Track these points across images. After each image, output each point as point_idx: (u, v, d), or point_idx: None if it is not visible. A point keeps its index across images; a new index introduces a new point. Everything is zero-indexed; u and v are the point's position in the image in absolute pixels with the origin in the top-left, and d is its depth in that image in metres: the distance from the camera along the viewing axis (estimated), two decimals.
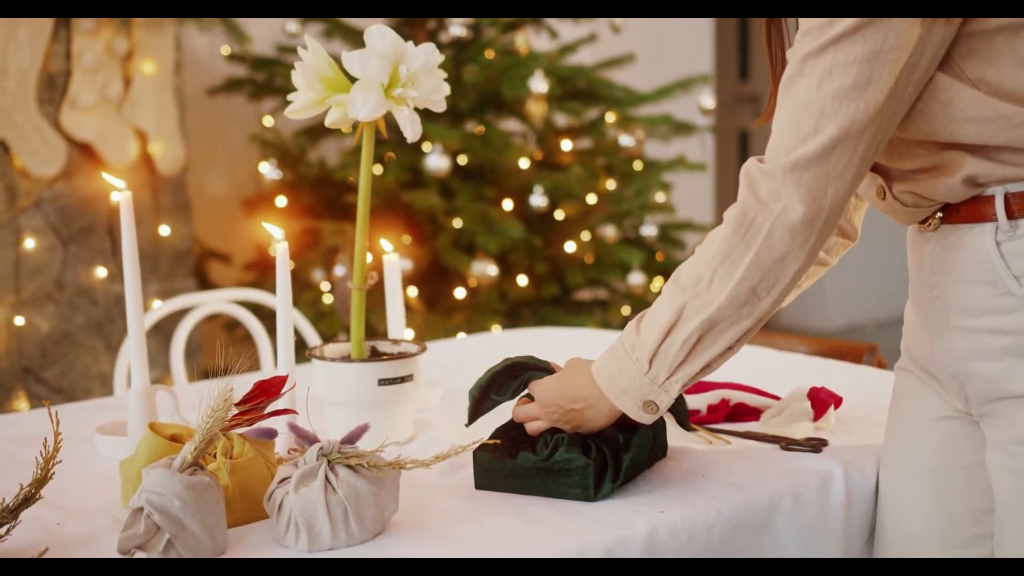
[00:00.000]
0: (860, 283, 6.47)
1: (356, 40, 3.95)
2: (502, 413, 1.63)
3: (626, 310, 3.99)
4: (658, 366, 1.42)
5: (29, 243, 3.51)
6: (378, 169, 3.67)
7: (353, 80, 1.64)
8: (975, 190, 1.39)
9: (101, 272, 3.66)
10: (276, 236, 1.58)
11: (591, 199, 3.89)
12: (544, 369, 1.57)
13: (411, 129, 1.65)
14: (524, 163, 3.81)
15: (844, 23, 1.31)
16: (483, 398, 1.58)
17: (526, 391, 1.57)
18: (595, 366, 1.48)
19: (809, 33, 1.34)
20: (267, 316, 3.02)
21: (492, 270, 3.67)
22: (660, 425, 1.58)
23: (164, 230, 3.78)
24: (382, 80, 1.62)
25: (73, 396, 3.60)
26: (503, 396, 1.58)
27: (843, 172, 1.35)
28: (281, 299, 1.58)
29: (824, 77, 1.33)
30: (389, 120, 1.68)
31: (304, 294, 3.72)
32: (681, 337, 1.40)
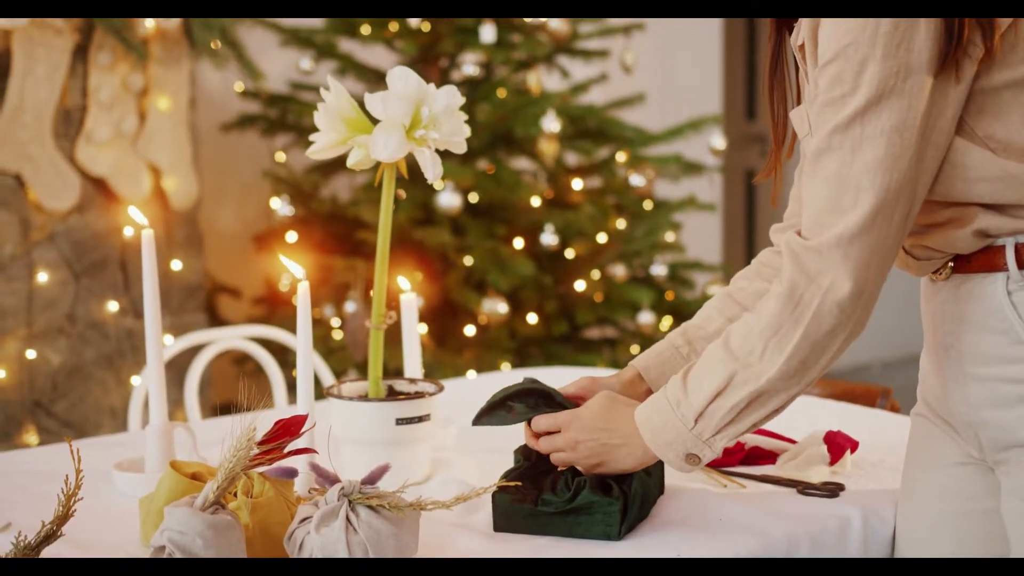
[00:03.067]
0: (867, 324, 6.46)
1: (369, 77, 3.98)
2: (509, 451, 1.64)
3: (635, 349, 4.00)
4: (704, 424, 1.44)
5: (42, 276, 3.52)
6: None
7: (375, 121, 1.65)
8: (986, 241, 1.42)
9: (113, 306, 3.67)
10: (297, 274, 1.59)
11: (601, 238, 3.90)
12: (561, 406, 1.58)
13: (432, 170, 1.67)
14: (535, 201, 3.83)
15: (864, 95, 1.34)
16: (501, 404, 1.58)
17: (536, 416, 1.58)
18: (638, 414, 1.49)
19: (831, 105, 1.37)
20: (277, 351, 3.03)
21: (502, 308, 3.68)
22: (660, 462, 1.58)
23: (176, 264, 3.80)
24: (404, 121, 1.63)
25: (83, 430, 3.60)
26: (519, 415, 1.58)
27: (884, 241, 1.37)
28: (302, 338, 1.59)
29: (855, 150, 1.35)
30: (407, 159, 1.70)
31: (315, 330, 3.73)
32: (730, 403, 1.43)
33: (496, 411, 1.60)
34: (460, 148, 1.70)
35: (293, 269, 1.61)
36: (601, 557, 1.43)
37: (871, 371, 6.59)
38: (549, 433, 1.57)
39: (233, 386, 3.98)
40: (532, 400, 1.59)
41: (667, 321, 3.97)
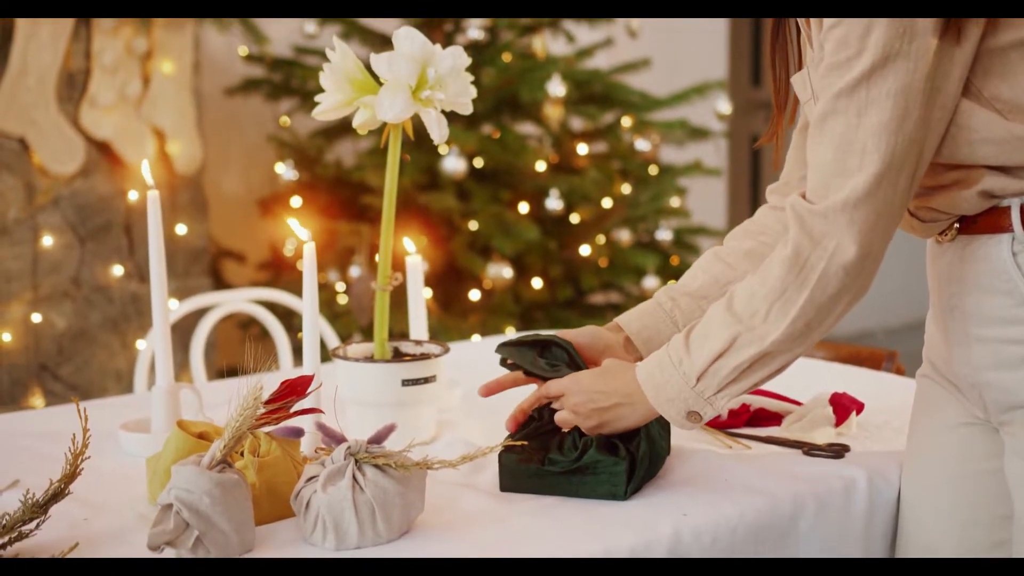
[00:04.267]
0: (870, 290, 6.45)
1: (373, 41, 3.96)
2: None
3: None
4: (706, 383, 1.45)
5: (47, 240, 3.52)
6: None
7: (381, 82, 1.65)
8: (991, 202, 1.42)
9: (118, 270, 3.67)
10: (303, 236, 1.59)
11: (606, 203, 3.90)
12: (578, 367, 1.59)
13: (438, 131, 1.66)
14: (540, 166, 3.82)
15: (870, 57, 1.33)
16: (531, 346, 1.59)
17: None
18: (640, 372, 1.50)
19: (836, 68, 1.36)
20: (283, 315, 3.03)
21: (507, 272, 3.68)
22: (666, 424, 1.59)
23: (180, 229, 3.80)
24: (410, 82, 1.63)
25: (88, 393, 3.61)
26: (539, 368, 1.59)
27: (890, 204, 1.37)
28: (308, 299, 1.59)
29: (861, 113, 1.35)
30: (413, 121, 1.69)
31: (320, 294, 3.72)
32: (733, 363, 1.43)
33: (524, 349, 1.60)
34: (466, 109, 1.70)
35: (299, 231, 1.60)
36: (606, 517, 1.44)
37: (875, 338, 6.59)
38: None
39: (238, 350, 3.99)
40: (554, 357, 1.59)
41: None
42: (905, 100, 1.33)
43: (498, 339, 2.59)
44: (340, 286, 3.83)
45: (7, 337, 3.47)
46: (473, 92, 1.69)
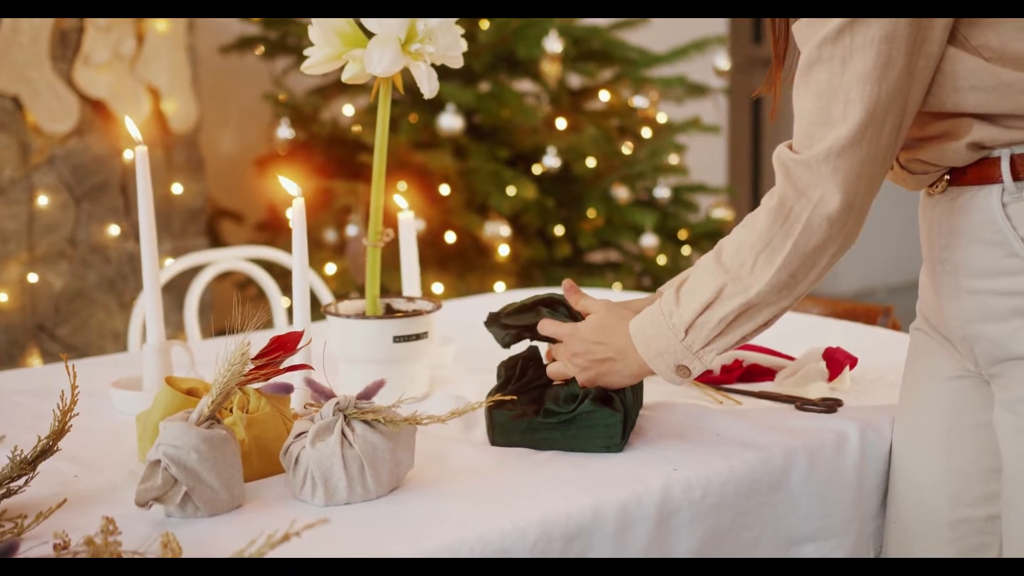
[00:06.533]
0: (872, 248, 6.44)
1: None
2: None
3: (638, 272, 3.99)
4: (694, 336, 1.45)
5: (42, 200, 3.51)
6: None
7: (370, 35, 1.63)
8: (981, 153, 1.41)
9: (114, 230, 3.66)
10: (292, 192, 1.58)
11: (604, 161, 3.87)
12: (574, 318, 1.59)
13: (428, 85, 1.64)
14: (537, 124, 3.80)
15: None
16: (532, 307, 1.60)
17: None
18: (633, 325, 1.50)
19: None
20: (279, 275, 3.02)
21: (504, 231, 3.67)
22: None
23: (177, 188, 3.78)
24: (399, 35, 1.61)
25: (86, 353, 3.61)
26: (541, 315, 1.60)
27: (874, 155, 1.35)
28: (297, 254, 1.58)
29: (845, 61, 1.33)
30: (404, 77, 1.68)
31: (317, 253, 3.72)
32: (719, 315, 1.43)
33: (526, 312, 1.61)
34: (456, 62, 1.68)
35: (288, 187, 1.59)
36: (597, 471, 1.43)
37: (876, 296, 6.59)
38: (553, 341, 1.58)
39: (238, 307, 3.97)
40: (553, 309, 1.60)
41: (669, 245, 3.95)
42: (889, 48, 1.32)
43: (491, 297, 2.59)
44: (337, 245, 3.82)
45: (3, 297, 3.46)
46: (464, 45, 1.67)
